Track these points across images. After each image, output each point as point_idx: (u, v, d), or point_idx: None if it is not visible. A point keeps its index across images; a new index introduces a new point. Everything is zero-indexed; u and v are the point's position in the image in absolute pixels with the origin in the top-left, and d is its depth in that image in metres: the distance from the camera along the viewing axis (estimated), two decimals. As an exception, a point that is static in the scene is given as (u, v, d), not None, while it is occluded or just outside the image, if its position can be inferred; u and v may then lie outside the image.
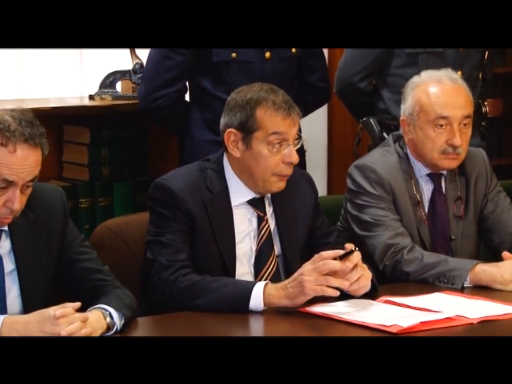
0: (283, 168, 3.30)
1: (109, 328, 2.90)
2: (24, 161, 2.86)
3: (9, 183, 2.86)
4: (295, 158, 3.30)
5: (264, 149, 3.29)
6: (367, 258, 3.50)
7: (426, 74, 3.71)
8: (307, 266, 3.09)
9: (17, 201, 2.87)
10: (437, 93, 3.64)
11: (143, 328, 3.04)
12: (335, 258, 3.08)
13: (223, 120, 3.37)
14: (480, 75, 4.41)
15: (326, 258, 3.07)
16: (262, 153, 3.30)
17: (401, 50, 4.25)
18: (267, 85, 3.38)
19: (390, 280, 3.52)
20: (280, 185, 3.34)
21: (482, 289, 3.40)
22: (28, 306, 2.96)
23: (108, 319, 2.91)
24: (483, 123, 4.45)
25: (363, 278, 3.16)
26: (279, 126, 3.28)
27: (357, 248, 3.13)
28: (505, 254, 3.49)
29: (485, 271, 3.42)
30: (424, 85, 3.67)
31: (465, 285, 3.42)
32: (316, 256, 3.11)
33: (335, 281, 3.07)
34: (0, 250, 2.97)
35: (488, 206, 3.77)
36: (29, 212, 3.00)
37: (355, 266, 3.12)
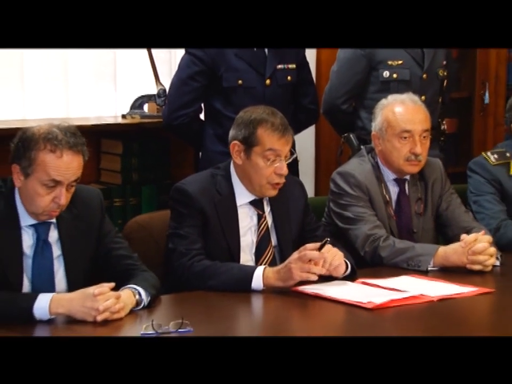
0: (275, 177, 3.30)
1: (137, 304, 2.91)
2: (69, 165, 2.88)
3: (56, 183, 2.88)
4: (285, 171, 3.30)
5: (261, 161, 3.29)
6: (350, 247, 3.52)
7: (392, 97, 3.73)
8: (294, 256, 3.11)
9: (63, 197, 2.89)
10: (401, 111, 3.65)
11: (165, 304, 3.05)
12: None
13: (231, 133, 3.37)
14: (440, 99, 4.41)
15: (309, 249, 3.09)
16: (259, 164, 3.30)
17: (376, 78, 4.25)
18: (270, 108, 3.38)
19: (368, 264, 3.52)
20: (272, 192, 3.34)
21: (443, 273, 3.39)
22: (71, 285, 2.97)
23: (137, 296, 2.91)
24: (442, 138, 4.45)
25: (335, 258, 3.16)
26: (274, 144, 3.28)
27: (328, 239, 3.15)
28: (463, 237, 3.46)
29: (447, 258, 3.42)
30: (390, 106, 3.68)
31: (429, 268, 3.43)
32: (301, 248, 3.13)
33: (315, 269, 3.09)
34: (49, 239, 2.98)
35: (443, 205, 3.77)
36: (73, 208, 3.01)
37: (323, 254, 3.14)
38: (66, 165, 2.87)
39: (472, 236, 3.43)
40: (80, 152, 2.90)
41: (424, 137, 3.65)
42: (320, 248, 3.11)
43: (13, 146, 2.93)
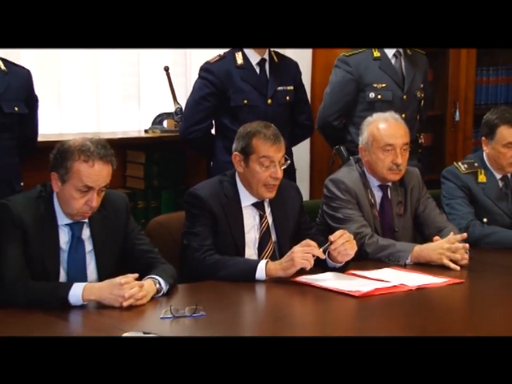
0: (270, 181, 3.30)
1: (158, 292, 2.92)
2: (99, 173, 2.89)
3: (89, 188, 2.89)
4: (279, 175, 3.30)
5: (257, 167, 3.30)
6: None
7: (376, 115, 3.73)
8: (297, 248, 3.13)
9: (95, 200, 2.90)
10: (385, 127, 3.66)
11: (182, 292, 3.05)
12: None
13: (233, 146, 3.39)
14: (418, 117, 4.41)
15: (312, 246, 3.12)
16: (256, 170, 3.30)
17: (363, 99, 4.24)
18: (263, 122, 3.39)
19: (355, 259, 3.52)
20: (270, 194, 3.34)
21: (418, 266, 3.40)
22: (101, 276, 2.98)
23: (157, 285, 2.92)
24: (419, 150, 4.44)
25: (351, 247, 3.21)
26: (267, 151, 3.28)
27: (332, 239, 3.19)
28: (435, 238, 3.50)
29: (420, 254, 3.43)
30: (375, 122, 3.69)
31: (407, 262, 3.44)
32: (304, 242, 3.15)
33: (312, 260, 3.11)
34: (83, 236, 2.99)
35: (420, 208, 3.77)
36: (103, 210, 3.02)
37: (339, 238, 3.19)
38: (97, 173, 2.89)
39: (457, 236, 3.47)
40: (109, 162, 2.92)
41: (404, 149, 3.66)
42: (324, 251, 3.17)
43: (51, 156, 2.95)
